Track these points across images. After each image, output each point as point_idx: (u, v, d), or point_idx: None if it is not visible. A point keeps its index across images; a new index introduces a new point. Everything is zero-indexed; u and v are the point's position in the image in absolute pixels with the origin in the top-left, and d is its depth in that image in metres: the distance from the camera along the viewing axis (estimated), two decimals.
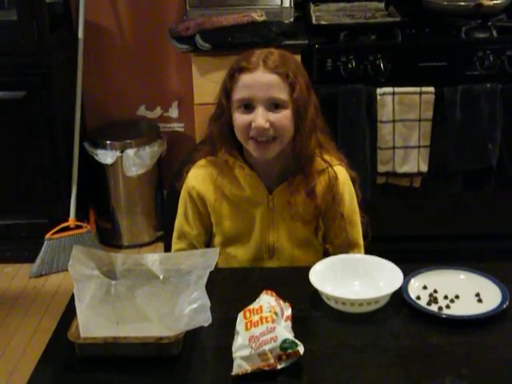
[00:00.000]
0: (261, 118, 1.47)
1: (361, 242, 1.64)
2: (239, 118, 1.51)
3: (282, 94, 1.49)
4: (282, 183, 1.57)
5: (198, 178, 1.60)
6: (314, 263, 1.55)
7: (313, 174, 1.56)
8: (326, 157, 1.59)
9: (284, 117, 1.50)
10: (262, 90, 1.48)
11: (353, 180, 1.62)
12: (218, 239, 1.63)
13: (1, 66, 2.86)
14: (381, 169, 2.65)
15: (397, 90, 2.56)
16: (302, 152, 1.53)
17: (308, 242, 1.61)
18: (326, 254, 1.64)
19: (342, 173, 1.60)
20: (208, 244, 1.66)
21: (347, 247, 1.61)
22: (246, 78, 1.50)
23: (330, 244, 1.63)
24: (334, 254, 1.60)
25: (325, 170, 1.57)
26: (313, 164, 1.56)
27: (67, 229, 3.01)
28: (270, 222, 1.58)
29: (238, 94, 1.51)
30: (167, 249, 1.73)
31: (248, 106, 1.50)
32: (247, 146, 1.53)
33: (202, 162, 1.62)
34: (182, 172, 1.64)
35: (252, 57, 1.52)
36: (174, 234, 1.65)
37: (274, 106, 1.49)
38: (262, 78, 1.49)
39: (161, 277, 1.28)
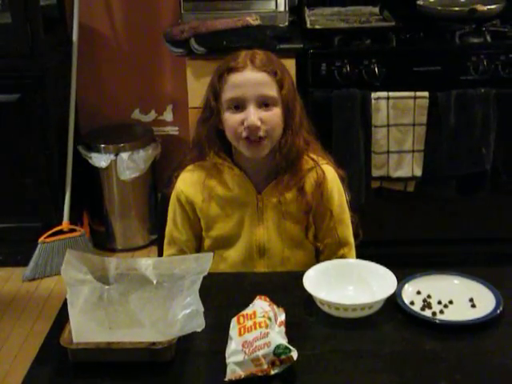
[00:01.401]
0: (253, 115, 1.48)
1: (351, 240, 1.64)
2: (230, 119, 1.52)
3: (272, 91, 1.52)
4: (271, 183, 1.58)
5: (187, 181, 1.61)
6: (304, 263, 1.56)
7: (301, 171, 1.57)
8: (313, 156, 1.60)
9: (274, 115, 1.52)
10: (252, 88, 1.50)
11: (341, 178, 1.64)
12: (207, 242, 1.63)
13: None
14: (375, 173, 2.65)
15: (391, 94, 2.56)
16: (291, 149, 1.54)
17: (298, 242, 1.61)
18: (317, 254, 1.65)
19: (331, 172, 1.61)
20: (198, 249, 1.66)
21: (337, 246, 1.62)
22: (235, 78, 1.51)
23: (321, 243, 1.63)
24: (325, 252, 1.62)
25: (313, 168, 1.59)
26: (301, 162, 1.58)
27: (61, 232, 3.00)
28: (259, 222, 1.59)
29: (229, 94, 1.52)
30: (161, 252, 1.72)
31: (238, 106, 1.51)
32: (238, 146, 1.54)
33: (190, 166, 1.63)
34: (171, 179, 1.64)
35: (239, 57, 1.54)
36: (165, 240, 1.66)
37: (264, 104, 1.51)
38: (251, 77, 1.51)
39: (154, 282, 1.28)
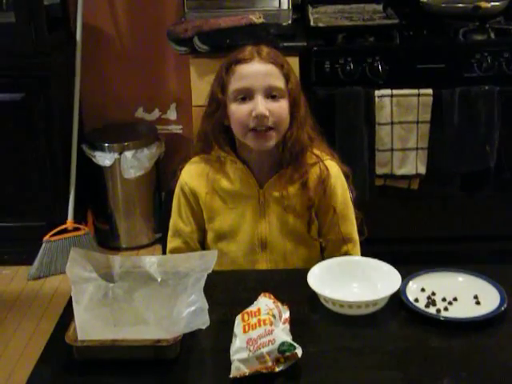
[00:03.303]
0: (261, 105, 1.49)
1: (355, 237, 1.64)
2: (238, 110, 1.52)
3: (279, 83, 1.53)
4: (273, 176, 1.58)
5: (191, 173, 1.62)
6: (307, 259, 1.57)
7: (305, 166, 1.58)
8: (317, 151, 1.61)
9: (281, 107, 1.53)
10: (260, 78, 1.51)
11: (346, 175, 1.64)
12: (210, 235, 1.63)
13: None
14: (379, 171, 2.65)
15: (395, 92, 2.56)
16: (296, 143, 1.55)
17: (300, 236, 1.61)
18: (321, 249, 1.64)
19: (334, 167, 1.61)
20: (202, 243, 1.66)
21: (341, 242, 1.62)
22: (243, 69, 1.53)
23: (324, 239, 1.63)
24: (328, 248, 1.62)
25: (316, 163, 1.59)
26: (304, 157, 1.58)
27: (65, 231, 3.01)
28: (261, 216, 1.59)
29: (236, 85, 1.52)
30: (165, 251, 1.73)
31: (245, 98, 1.52)
32: (245, 138, 1.54)
33: (195, 158, 1.64)
34: (176, 172, 1.65)
35: (245, 50, 1.55)
36: (169, 233, 1.66)
37: (272, 96, 1.52)
38: (259, 67, 1.52)
39: (159, 279, 1.28)
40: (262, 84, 1.50)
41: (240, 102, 1.52)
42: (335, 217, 1.60)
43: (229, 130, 1.58)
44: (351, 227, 1.63)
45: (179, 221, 1.63)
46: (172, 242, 1.65)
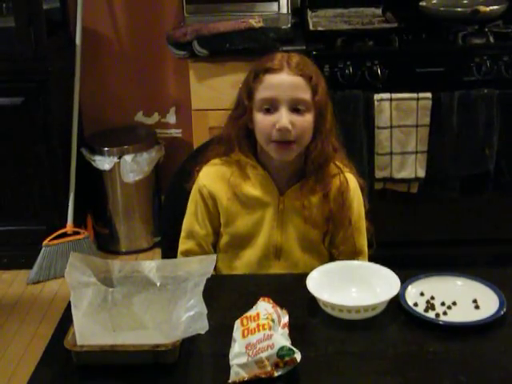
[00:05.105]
0: (285, 118, 1.49)
1: (365, 249, 1.65)
2: (262, 121, 1.52)
3: (306, 95, 1.52)
4: (294, 185, 1.58)
5: (210, 176, 1.61)
6: (317, 267, 1.55)
7: (327, 177, 1.58)
8: (339, 163, 1.61)
9: (305, 120, 1.52)
10: (287, 90, 1.50)
11: (361, 188, 1.64)
12: (225, 239, 1.63)
13: None
14: (378, 174, 2.65)
15: (394, 95, 2.56)
16: (320, 155, 1.55)
17: (315, 246, 1.61)
18: (331, 259, 1.64)
19: (353, 181, 1.62)
20: (215, 246, 1.66)
21: (352, 254, 1.62)
22: (271, 79, 1.52)
23: (336, 249, 1.63)
24: (340, 259, 1.61)
25: (336, 175, 1.59)
26: (328, 168, 1.58)
27: (65, 235, 3.01)
28: (279, 223, 1.59)
29: (263, 94, 1.52)
30: (165, 255, 1.72)
31: (270, 109, 1.51)
32: (267, 148, 1.54)
33: (214, 161, 1.63)
34: (192, 171, 1.64)
35: (275, 59, 1.54)
36: (182, 234, 1.64)
37: (297, 110, 1.51)
38: (287, 79, 1.51)
39: (158, 284, 1.29)
40: (287, 96, 1.50)
41: (265, 113, 1.52)
42: (349, 229, 1.60)
43: (252, 133, 1.57)
44: (363, 240, 1.64)
45: (195, 223, 1.62)
46: (185, 244, 1.64)
